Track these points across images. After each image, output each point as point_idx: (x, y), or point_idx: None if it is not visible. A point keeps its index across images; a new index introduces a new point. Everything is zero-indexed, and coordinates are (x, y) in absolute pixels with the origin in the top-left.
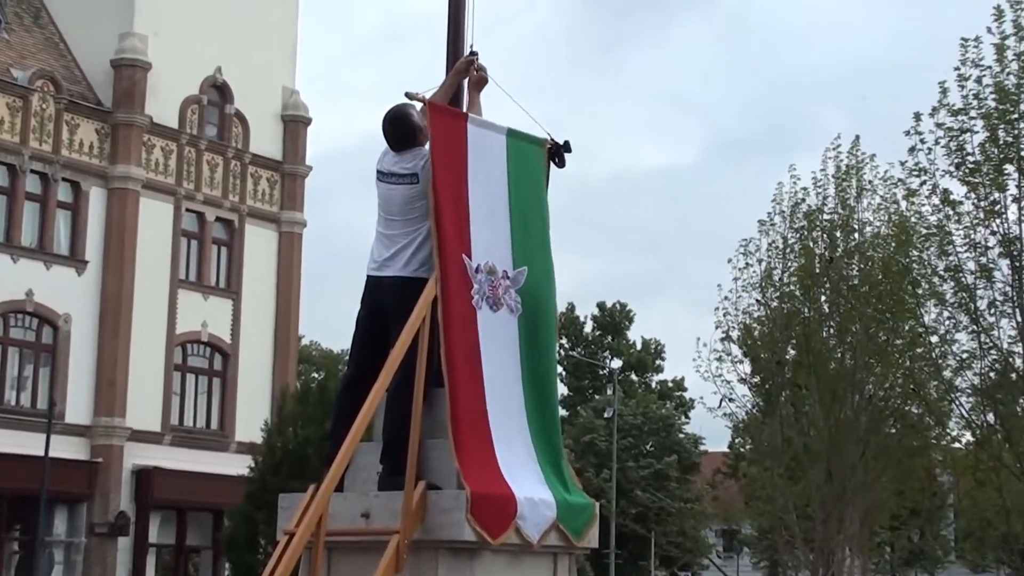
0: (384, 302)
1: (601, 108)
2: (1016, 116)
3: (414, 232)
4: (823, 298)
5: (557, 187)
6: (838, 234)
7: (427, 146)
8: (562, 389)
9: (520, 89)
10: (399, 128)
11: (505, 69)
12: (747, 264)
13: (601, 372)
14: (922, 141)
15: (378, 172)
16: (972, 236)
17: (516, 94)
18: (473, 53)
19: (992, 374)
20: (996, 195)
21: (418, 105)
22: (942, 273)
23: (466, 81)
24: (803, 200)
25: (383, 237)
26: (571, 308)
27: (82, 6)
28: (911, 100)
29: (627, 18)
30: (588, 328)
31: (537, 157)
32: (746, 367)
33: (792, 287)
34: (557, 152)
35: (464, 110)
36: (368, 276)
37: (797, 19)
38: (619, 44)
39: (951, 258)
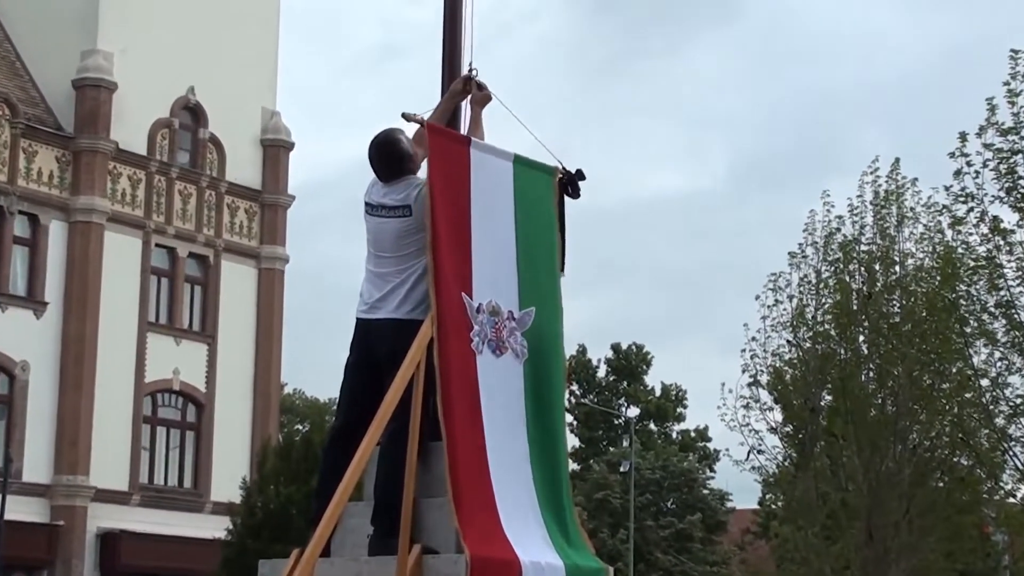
0: (375, 347)
1: (612, 129)
2: None
3: (408, 270)
4: (861, 338)
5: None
6: (877, 267)
7: (420, 174)
8: (573, 440)
9: (521, 109)
10: (387, 155)
11: (504, 87)
12: (777, 301)
13: (616, 421)
14: (968, 164)
15: (367, 204)
16: None
17: (519, 114)
18: (471, 70)
19: None
20: None
21: (411, 128)
22: (992, 310)
23: (467, 99)
24: (838, 230)
25: (374, 276)
26: (582, 351)
27: (40, 21)
28: (956, 119)
29: (641, 31)
30: (601, 373)
31: (546, 187)
32: (777, 415)
33: (827, 326)
34: (570, 181)
35: (464, 131)
36: (357, 319)
37: (829, 31)
38: (633, 59)
39: (1002, 293)
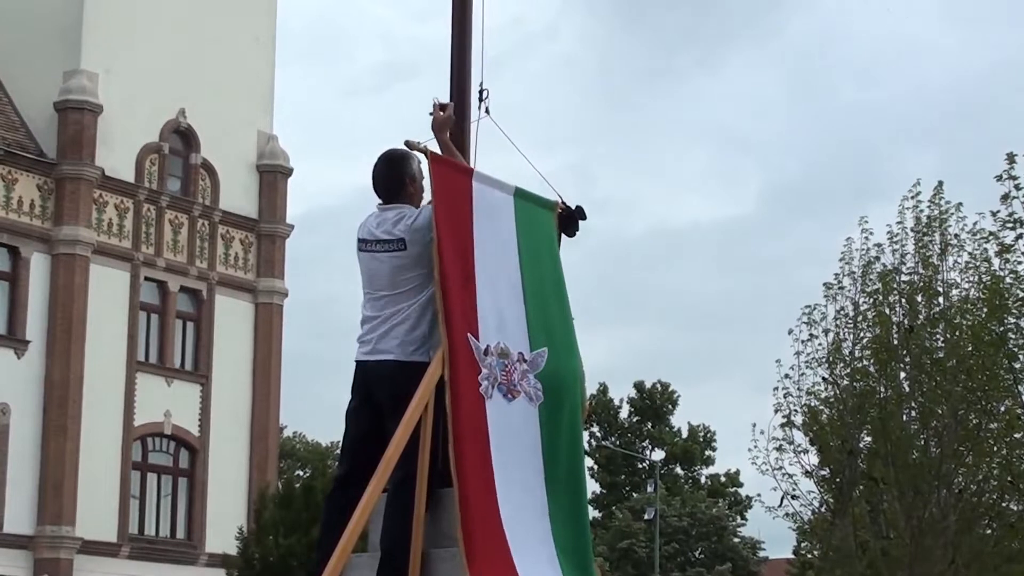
0: (376, 391)
1: (639, 153)
2: None
3: (407, 308)
4: (902, 375)
5: (584, 247)
6: (919, 298)
7: (420, 202)
8: (593, 486)
9: (540, 131)
10: (392, 171)
11: (520, 107)
12: (811, 335)
13: (640, 465)
14: (1017, 187)
15: (359, 241)
16: None
17: (536, 137)
18: (482, 91)
19: None
20: None
21: (419, 156)
22: None
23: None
24: (877, 258)
25: (371, 318)
26: (603, 390)
27: (20, 39)
28: (1005, 140)
29: (670, 48)
30: (624, 414)
31: (547, 222)
32: (812, 458)
33: (865, 362)
34: (569, 218)
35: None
36: (356, 362)
37: (872, 49)
38: (661, 78)
39: None
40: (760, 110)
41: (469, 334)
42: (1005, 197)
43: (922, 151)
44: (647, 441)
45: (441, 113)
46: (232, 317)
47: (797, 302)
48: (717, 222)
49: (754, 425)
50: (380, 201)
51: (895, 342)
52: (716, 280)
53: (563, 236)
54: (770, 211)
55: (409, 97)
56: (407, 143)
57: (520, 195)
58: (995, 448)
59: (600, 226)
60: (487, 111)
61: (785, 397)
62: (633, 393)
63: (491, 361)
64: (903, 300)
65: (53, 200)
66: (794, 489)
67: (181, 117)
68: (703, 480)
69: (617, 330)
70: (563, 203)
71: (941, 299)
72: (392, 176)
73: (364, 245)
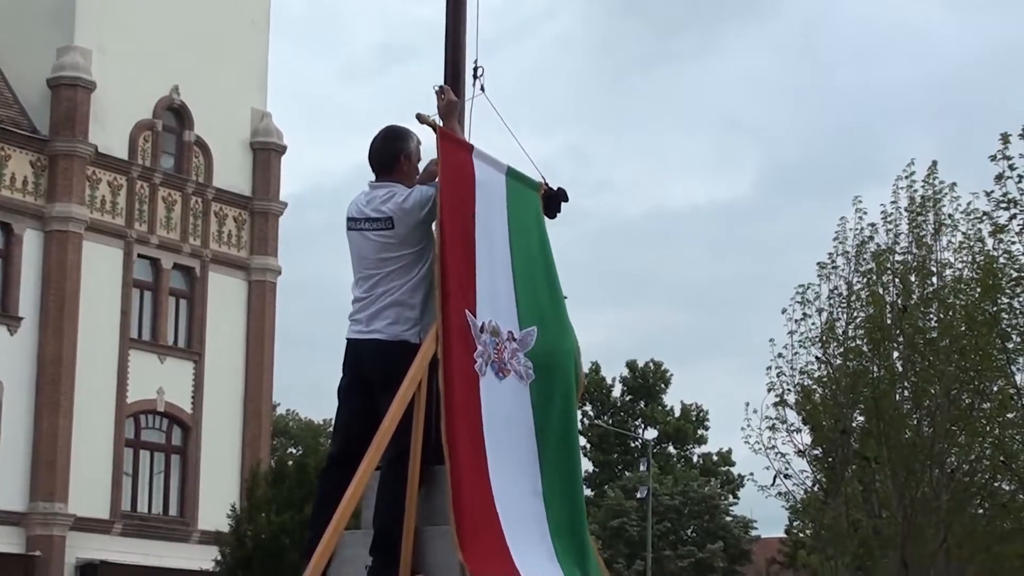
0: (367, 369)
1: (636, 135)
2: None
3: (397, 288)
4: (895, 354)
5: (581, 228)
6: (913, 278)
7: (412, 181)
8: (586, 465)
9: (536, 114)
10: (387, 146)
11: (517, 90)
12: (805, 315)
13: (632, 444)
14: (1011, 167)
15: (348, 220)
16: None
17: (534, 119)
18: (476, 69)
19: None
20: None
21: (419, 137)
22: None
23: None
24: (871, 238)
25: (362, 297)
26: (596, 369)
27: (12, 15)
28: (1002, 123)
29: (668, 30)
30: (617, 392)
31: (534, 202)
32: (805, 437)
33: (858, 341)
34: (552, 200)
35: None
36: (347, 339)
37: (869, 32)
38: (659, 60)
39: None
40: (758, 93)
41: (467, 311)
42: (999, 177)
43: (920, 133)
44: (640, 420)
45: (442, 97)
46: (225, 294)
47: (793, 284)
48: (714, 204)
49: (747, 404)
50: (373, 177)
51: (888, 322)
52: (712, 262)
53: (545, 217)
54: (767, 194)
55: (406, 78)
56: (418, 116)
57: (511, 174)
58: (987, 428)
59: (597, 208)
60: (482, 89)
61: (778, 376)
62: (626, 372)
63: (485, 338)
64: (897, 280)
65: (46, 177)
66: (787, 468)
67: (175, 94)
68: (695, 459)
69: (612, 311)
70: (546, 184)
71: (935, 279)
72: (387, 151)
73: (353, 223)
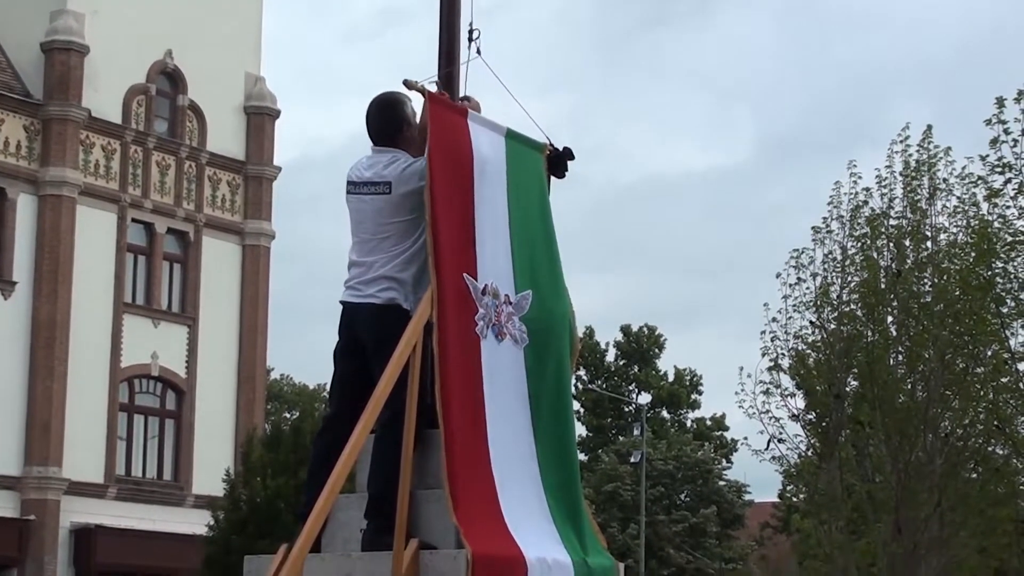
0: (361, 333)
1: (633, 100)
2: None
3: (394, 254)
4: (890, 319)
5: (576, 193)
6: (907, 243)
7: (416, 149)
8: (580, 429)
9: (533, 78)
10: (385, 114)
11: (513, 54)
12: (799, 279)
13: (626, 409)
14: (1006, 131)
15: (349, 184)
16: None
17: (529, 84)
18: (472, 31)
19: None
20: None
21: (414, 97)
22: None
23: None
24: (865, 203)
25: (358, 262)
26: (590, 334)
27: None
28: (999, 86)
29: None
30: (611, 357)
31: (536, 164)
32: (799, 401)
33: (852, 306)
34: (558, 159)
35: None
36: (342, 303)
37: None
38: (657, 26)
39: None
40: (755, 58)
41: (465, 274)
42: (994, 141)
43: (917, 99)
44: (633, 385)
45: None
46: (219, 259)
47: (788, 249)
48: (710, 170)
49: (741, 368)
50: (369, 136)
51: (883, 286)
52: (708, 227)
53: (552, 178)
54: (764, 159)
55: (403, 42)
56: (405, 82)
57: (511, 136)
58: (981, 392)
59: (593, 173)
60: (478, 51)
61: (772, 341)
62: (620, 337)
63: (487, 300)
64: (891, 244)
65: (40, 141)
66: (780, 433)
67: (168, 58)
68: (689, 424)
69: (607, 275)
70: (551, 144)
71: (929, 243)
72: (386, 119)
73: (352, 188)
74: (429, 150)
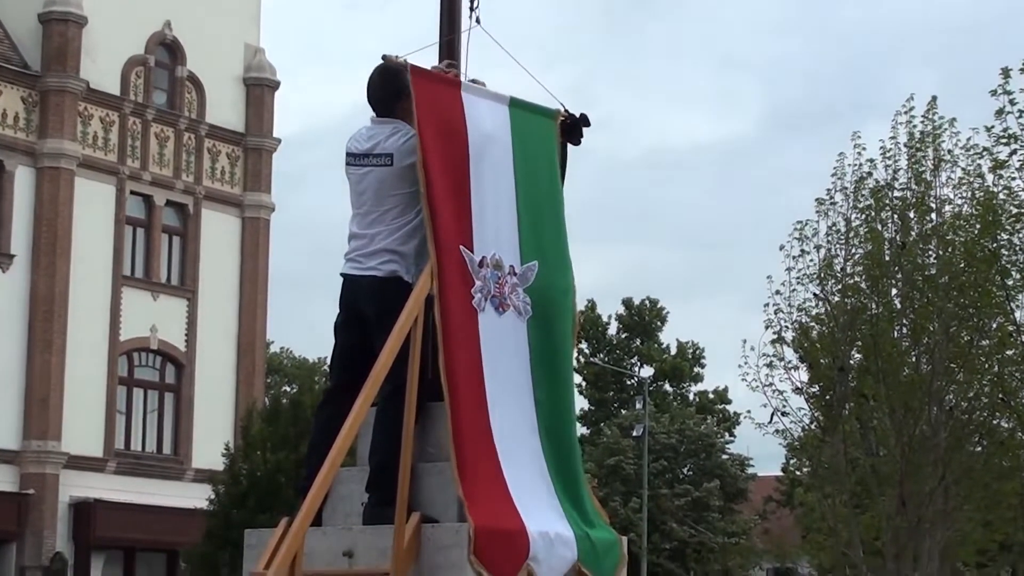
0: (362, 305)
1: (637, 71)
2: None
3: (395, 227)
4: (894, 291)
5: (580, 165)
6: (911, 214)
7: (411, 120)
8: (582, 403)
9: (537, 49)
10: (387, 83)
11: (516, 25)
12: (803, 252)
13: (628, 382)
14: (1012, 102)
15: (348, 156)
16: None
17: (534, 55)
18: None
19: None
20: None
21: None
22: None
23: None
24: (869, 174)
25: (357, 236)
26: (592, 306)
27: None
28: (1005, 58)
29: None
30: (612, 330)
31: (547, 132)
32: (802, 375)
33: (856, 278)
34: (573, 126)
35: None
36: (343, 275)
37: None
38: None
39: None
40: (761, 28)
41: (462, 246)
42: (1000, 112)
43: (923, 70)
44: (636, 358)
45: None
46: (218, 231)
47: (791, 221)
48: (716, 142)
49: (744, 341)
50: (370, 105)
51: (887, 258)
52: (713, 199)
53: (569, 145)
54: (770, 131)
55: (405, 13)
56: (384, 57)
57: (515, 105)
58: (986, 365)
59: (597, 145)
60: (477, 20)
61: (776, 313)
62: (622, 310)
63: (485, 273)
64: (895, 216)
65: (37, 113)
66: (784, 406)
67: (167, 29)
68: (692, 397)
69: (608, 247)
70: (565, 111)
71: (934, 215)
72: (387, 89)
73: (352, 160)
74: (417, 123)
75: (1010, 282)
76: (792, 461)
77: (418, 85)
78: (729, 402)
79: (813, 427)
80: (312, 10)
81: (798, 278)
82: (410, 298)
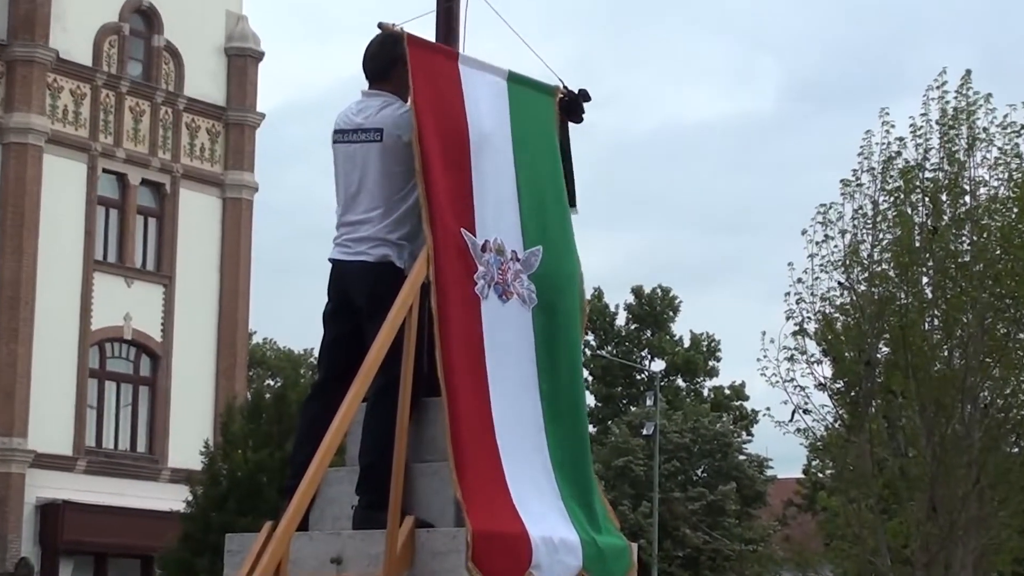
0: (353, 293)
1: (648, 44)
2: None
3: (387, 208)
4: (925, 280)
5: (585, 145)
6: (944, 197)
7: (404, 93)
8: (589, 399)
9: (541, 19)
10: (384, 50)
11: None
12: (827, 237)
13: (638, 377)
14: None
15: (335, 132)
16: None
17: (533, 26)
18: None
19: None
20: None
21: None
22: None
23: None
24: (898, 154)
25: (347, 217)
26: (599, 295)
27: None
28: None
29: None
30: (621, 321)
31: (546, 108)
32: (826, 369)
33: (884, 266)
34: (573, 103)
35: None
36: (331, 260)
37: None
38: None
39: None
40: None
41: (463, 229)
42: None
43: (957, 41)
44: (646, 351)
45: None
46: (198, 213)
47: (814, 204)
48: (731, 120)
49: (763, 333)
50: (367, 86)
51: (917, 244)
52: (727, 180)
53: (570, 124)
54: (789, 107)
55: None
56: (380, 25)
57: (514, 79)
58: None
59: (602, 122)
60: None
61: (798, 303)
62: (631, 299)
63: (488, 258)
64: (926, 199)
65: (3, 85)
66: (806, 403)
67: None
68: (706, 393)
69: (617, 232)
70: (564, 87)
71: (968, 198)
72: (383, 56)
73: (340, 136)
74: (413, 97)
75: None
76: (815, 462)
77: (415, 56)
78: (747, 399)
79: (837, 426)
80: None
81: (821, 265)
82: (404, 285)
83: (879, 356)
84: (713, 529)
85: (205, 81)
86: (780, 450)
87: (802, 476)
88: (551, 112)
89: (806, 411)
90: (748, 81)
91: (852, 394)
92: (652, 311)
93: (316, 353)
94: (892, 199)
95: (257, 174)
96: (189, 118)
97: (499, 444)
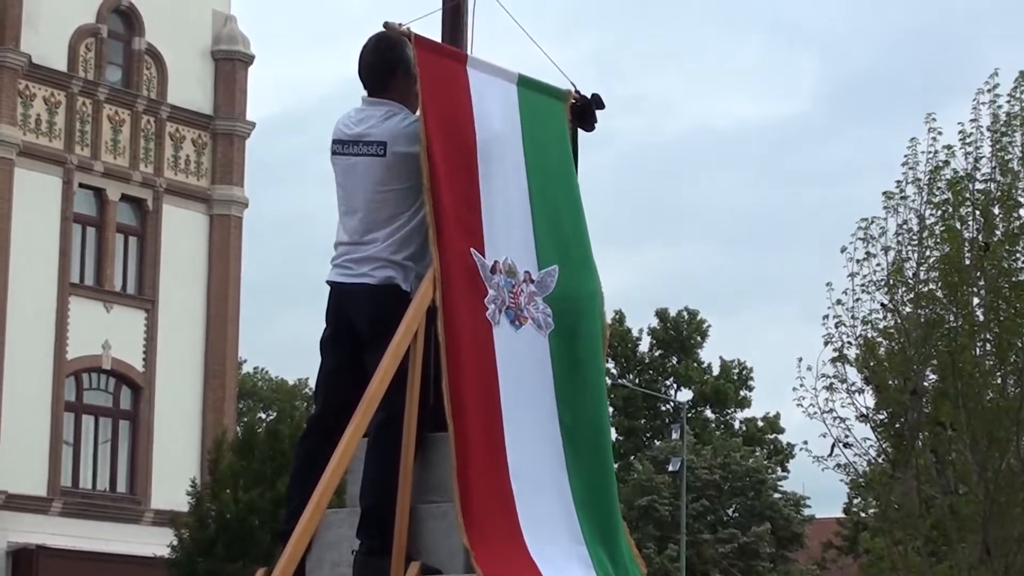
0: (353, 318)
1: (676, 43)
2: None
3: (390, 227)
4: (976, 300)
5: (607, 152)
6: (996, 210)
7: (415, 100)
8: (610, 432)
9: (560, 17)
10: (381, 56)
11: None
12: (868, 254)
13: (663, 408)
14: None
15: (334, 143)
16: None
17: (552, 22)
18: None
19: None
20: None
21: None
22: None
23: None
24: (947, 163)
25: (347, 234)
26: (620, 319)
27: None
28: None
29: None
30: (644, 347)
31: (558, 115)
32: (868, 399)
33: (932, 286)
34: (585, 109)
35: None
36: (329, 283)
37: None
38: None
39: None
40: None
41: (472, 249)
42: None
43: (1009, 41)
44: (671, 379)
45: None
46: (182, 231)
47: (855, 217)
48: (766, 124)
49: (800, 360)
50: (365, 94)
51: (967, 262)
52: (762, 191)
53: (580, 131)
54: (826, 111)
55: None
56: (386, 25)
57: (524, 84)
58: None
59: (627, 128)
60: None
61: (837, 327)
62: (656, 323)
63: (498, 280)
64: (977, 212)
65: None
66: (847, 436)
67: None
68: (737, 425)
69: (639, 250)
70: (576, 92)
71: (1022, 212)
72: (381, 64)
73: (339, 147)
74: (422, 105)
75: None
76: (856, 501)
77: (423, 60)
78: (782, 431)
79: (881, 461)
80: None
81: (863, 285)
82: (409, 309)
83: (926, 384)
84: (745, 574)
85: (190, 87)
86: (818, 487)
87: (843, 516)
88: (563, 118)
89: (847, 445)
90: (782, 82)
91: (897, 426)
92: (678, 336)
93: (312, 384)
94: (940, 213)
95: (247, 188)
96: (173, 128)
97: (513, 485)
